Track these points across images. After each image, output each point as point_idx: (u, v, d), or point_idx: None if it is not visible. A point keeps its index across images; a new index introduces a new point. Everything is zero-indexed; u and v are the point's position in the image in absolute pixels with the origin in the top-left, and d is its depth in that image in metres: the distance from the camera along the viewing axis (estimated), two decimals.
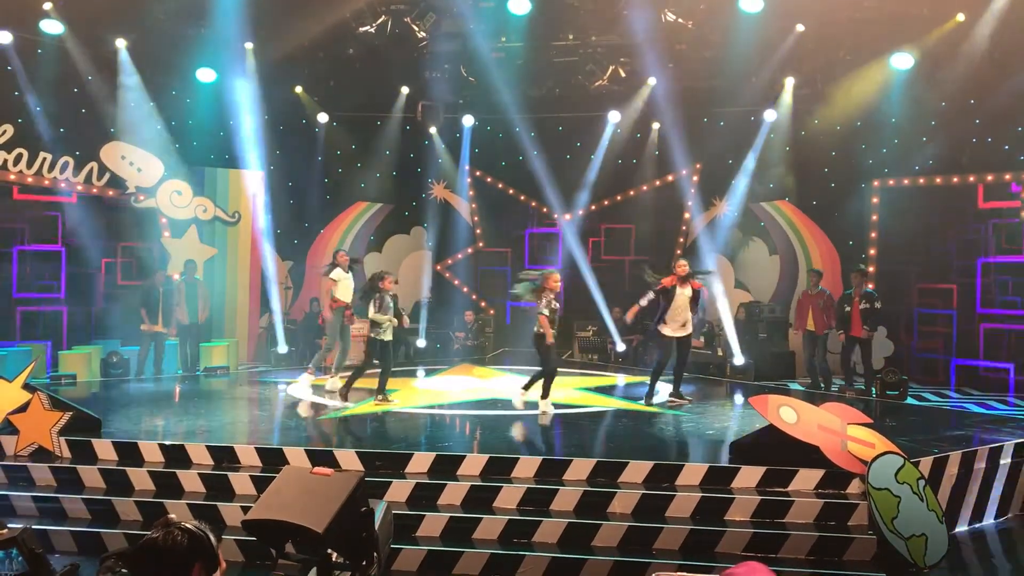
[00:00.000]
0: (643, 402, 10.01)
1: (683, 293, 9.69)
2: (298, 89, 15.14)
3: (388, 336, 9.69)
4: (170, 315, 12.58)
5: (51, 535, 6.49)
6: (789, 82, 13.98)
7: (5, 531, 2.69)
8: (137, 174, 13.74)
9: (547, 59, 14.16)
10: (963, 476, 7.22)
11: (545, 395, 9.34)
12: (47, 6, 11.96)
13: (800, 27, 12.47)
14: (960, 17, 11.74)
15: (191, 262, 13.50)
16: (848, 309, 11.48)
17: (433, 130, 16.26)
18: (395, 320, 9.69)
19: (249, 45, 13.47)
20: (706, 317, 13.87)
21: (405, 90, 15.44)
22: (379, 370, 9.84)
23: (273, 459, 7.20)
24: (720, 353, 13.62)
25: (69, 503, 6.88)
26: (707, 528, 6.31)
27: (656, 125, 15.66)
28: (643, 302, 10.02)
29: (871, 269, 13.58)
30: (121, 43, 13.03)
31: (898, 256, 13.51)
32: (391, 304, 9.61)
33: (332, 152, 16.16)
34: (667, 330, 9.77)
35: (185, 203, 14.26)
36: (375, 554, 3.05)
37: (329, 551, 2.99)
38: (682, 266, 9.82)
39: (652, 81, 14.51)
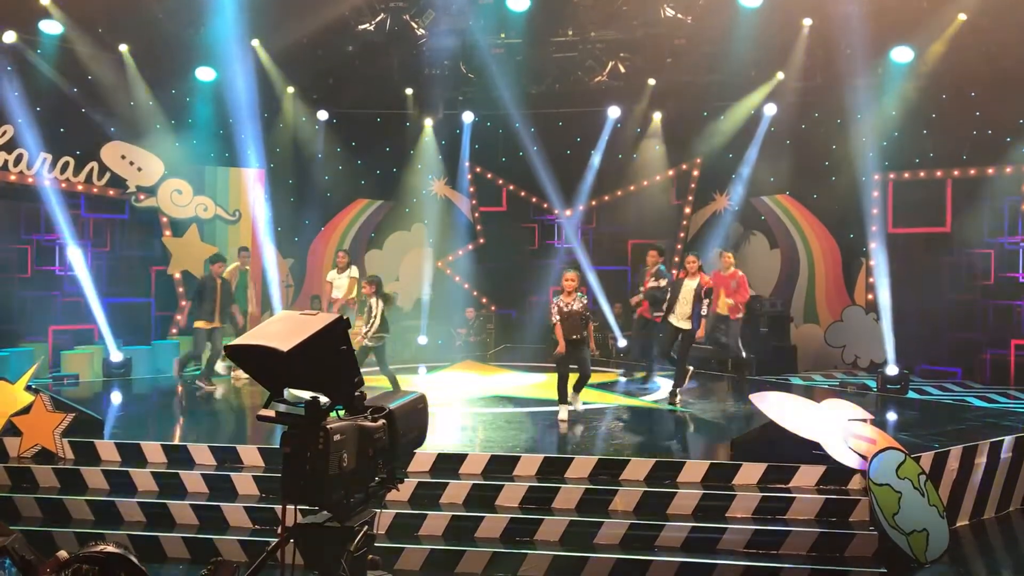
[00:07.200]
0: (642, 381, 10.28)
1: (688, 286, 9.75)
2: (290, 89, 15.12)
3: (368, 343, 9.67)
4: (227, 310, 11.39)
5: (56, 536, 6.51)
6: (789, 76, 13.96)
7: None
8: (137, 173, 13.76)
9: (546, 55, 14.16)
10: (964, 471, 7.23)
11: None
12: (44, 1, 11.96)
13: (808, 21, 12.46)
14: (962, 16, 11.71)
15: (244, 249, 12.59)
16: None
17: (429, 122, 16.25)
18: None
19: (256, 42, 13.48)
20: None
21: (410, 91, 15.42)
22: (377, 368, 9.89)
23: (276, 459, 7.20)
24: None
25: (72, 505, 6.91)
26: (708, 525, 6.32)
27: (656, 118, 15.65)
28: (662, 283, 10.76)
29: (871, 263, 13.56)
30: (123, 47, 13.05)
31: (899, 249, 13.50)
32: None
33: (332, 149, 16.16)
34: (672, 319, 9.99)
35: (186, 202, 14.26)
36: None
37: (319, 400, 3.07)
38: (691, 261, 9.94)
39: (652, 82, 14.50)
